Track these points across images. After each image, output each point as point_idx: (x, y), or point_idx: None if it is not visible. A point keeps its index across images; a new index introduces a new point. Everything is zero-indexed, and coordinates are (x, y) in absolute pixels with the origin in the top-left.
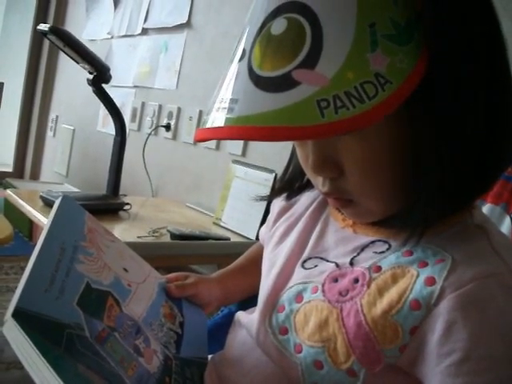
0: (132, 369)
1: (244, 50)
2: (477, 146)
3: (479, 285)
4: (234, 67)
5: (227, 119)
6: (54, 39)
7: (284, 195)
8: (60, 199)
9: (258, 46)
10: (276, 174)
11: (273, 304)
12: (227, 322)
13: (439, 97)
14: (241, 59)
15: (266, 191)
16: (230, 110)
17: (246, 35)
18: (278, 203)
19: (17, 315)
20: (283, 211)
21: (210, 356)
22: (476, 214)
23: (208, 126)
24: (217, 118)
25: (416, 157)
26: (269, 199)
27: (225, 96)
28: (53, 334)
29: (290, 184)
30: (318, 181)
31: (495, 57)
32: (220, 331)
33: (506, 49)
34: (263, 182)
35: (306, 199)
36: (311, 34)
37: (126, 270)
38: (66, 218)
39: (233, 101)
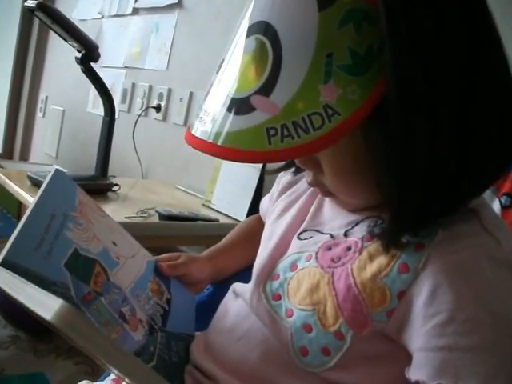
0: (116, 332)
1: (223, 61)
2: (436, 167)
3: (467, 252)
4: (215, 77)
5: (199, 130)
6: (41, 16)
7: (292, 170)
8: (52, 172)
9: (231, 64)
10: None
11: (268, 273)
12: (212, 301)
13: (391, 123)
14: (218, 71)
15: (256, 172)
16: (204, 122)
17: (234, 41)
18: (285, 177)
19: (5, 265)
20: (288, 186)
21: (197, 333)
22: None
23: (192, 131)
24: (197, 126)
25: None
26: (278, 172)
27: (205, 106)
28: (39, 287)
29: None
30: (305, 171)
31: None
32: (205, 309)
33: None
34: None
35: None
36: (272, 59)
37: (114, 243)
38: (57, 188)
39: (206, 113)
